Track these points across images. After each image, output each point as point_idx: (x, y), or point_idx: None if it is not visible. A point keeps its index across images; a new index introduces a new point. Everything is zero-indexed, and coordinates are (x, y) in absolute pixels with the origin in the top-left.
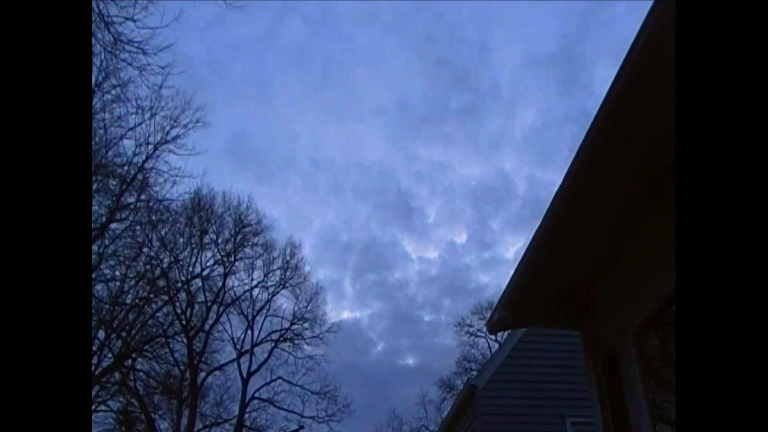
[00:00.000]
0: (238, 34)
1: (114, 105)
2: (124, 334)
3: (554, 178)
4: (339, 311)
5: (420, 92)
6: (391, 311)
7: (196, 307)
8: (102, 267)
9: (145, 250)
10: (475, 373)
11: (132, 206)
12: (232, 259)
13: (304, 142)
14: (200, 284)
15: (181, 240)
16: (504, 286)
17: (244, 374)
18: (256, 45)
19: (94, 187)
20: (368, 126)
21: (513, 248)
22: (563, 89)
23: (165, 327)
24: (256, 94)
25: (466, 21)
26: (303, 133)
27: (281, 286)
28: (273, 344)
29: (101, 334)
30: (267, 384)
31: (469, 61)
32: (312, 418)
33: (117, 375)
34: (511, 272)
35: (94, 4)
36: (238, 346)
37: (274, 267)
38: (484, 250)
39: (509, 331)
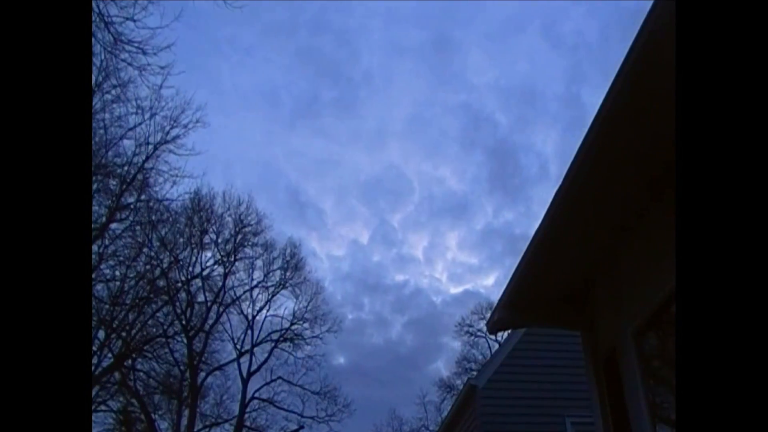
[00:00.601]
0: None
1: (114, 105)
2: (124, 334)
3: (446, 174)
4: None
5: (288, 85)
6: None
7: (196, 307)
8: (102, 267)
9: (145, 250)
10: (475, 373)
11: (132, 206)
12: (232, 259)
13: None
14: (200, 284)
15: (181, 240)
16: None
17: (244, 374)
18: None
19: (94, 187)
20: (241, 121)
21: (420, 247)
22: (438, 78)
23: (165, 327)
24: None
25: (326, 8)
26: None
27: (281, 286)
28: (273, 344)
29: (101, 334)
30: (267, 384)
31: (334, 51)
32: (312, 418)
33: (117, 375)
34: (511, 273)
35: (94, 4)
36: (238, 346)
37: (274, 267)
38: (390, 248)
39: (509, 331)
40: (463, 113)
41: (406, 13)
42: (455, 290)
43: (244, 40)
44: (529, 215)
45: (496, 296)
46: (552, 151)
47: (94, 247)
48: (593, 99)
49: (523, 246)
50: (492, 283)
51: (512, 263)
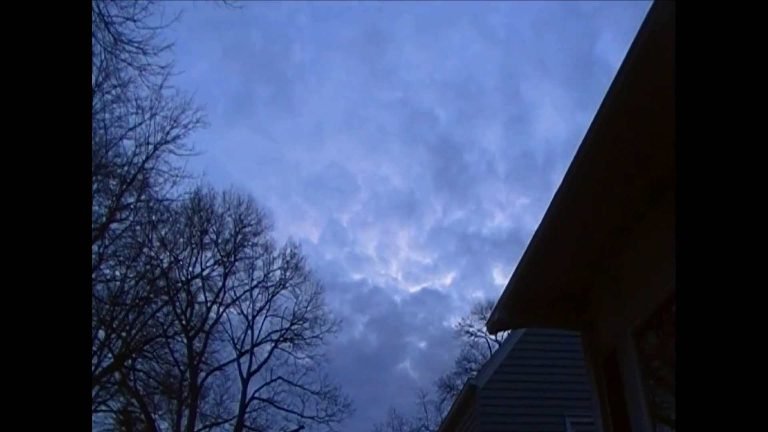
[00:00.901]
0: None
1: (114, 105)
2: (124, 334)
3: (389, 172)
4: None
5: (220, 83)
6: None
7: (196, 307)
8: (102, 267)
9: (145, 250)
10: (475, 373)
11: (132, 206)
12: (232, 259)
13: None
14: (200, 284)
15: (181, 240)
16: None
17: (244, 374)
18: None
19: (94, 187)
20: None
21: (371, 246)
22: (372, 74)
23: (165, 327)
24: None
25: (250, 5)
26: None
27: (281, 286)
28: (273, 344)
29: (101, 334)
30: (267, 384)
31: (264, 48)
32: (312, 418)
33: (117, 375)
34: (511, 272)
35: (94, 4)
36: (238, 346)
37: (274, 267)
38: (341, 247)
39: (509, 331)
40: (401, 109)
41: (332, 8)
42: (414, 289)
43: (170, 37)
44: (480, 213)
45: (455, 295)
46: (496, 148)
47: (94, 247)
48: (533, 94)
49: (479, 245)
50: (449, 282)
51: (468, 262)
